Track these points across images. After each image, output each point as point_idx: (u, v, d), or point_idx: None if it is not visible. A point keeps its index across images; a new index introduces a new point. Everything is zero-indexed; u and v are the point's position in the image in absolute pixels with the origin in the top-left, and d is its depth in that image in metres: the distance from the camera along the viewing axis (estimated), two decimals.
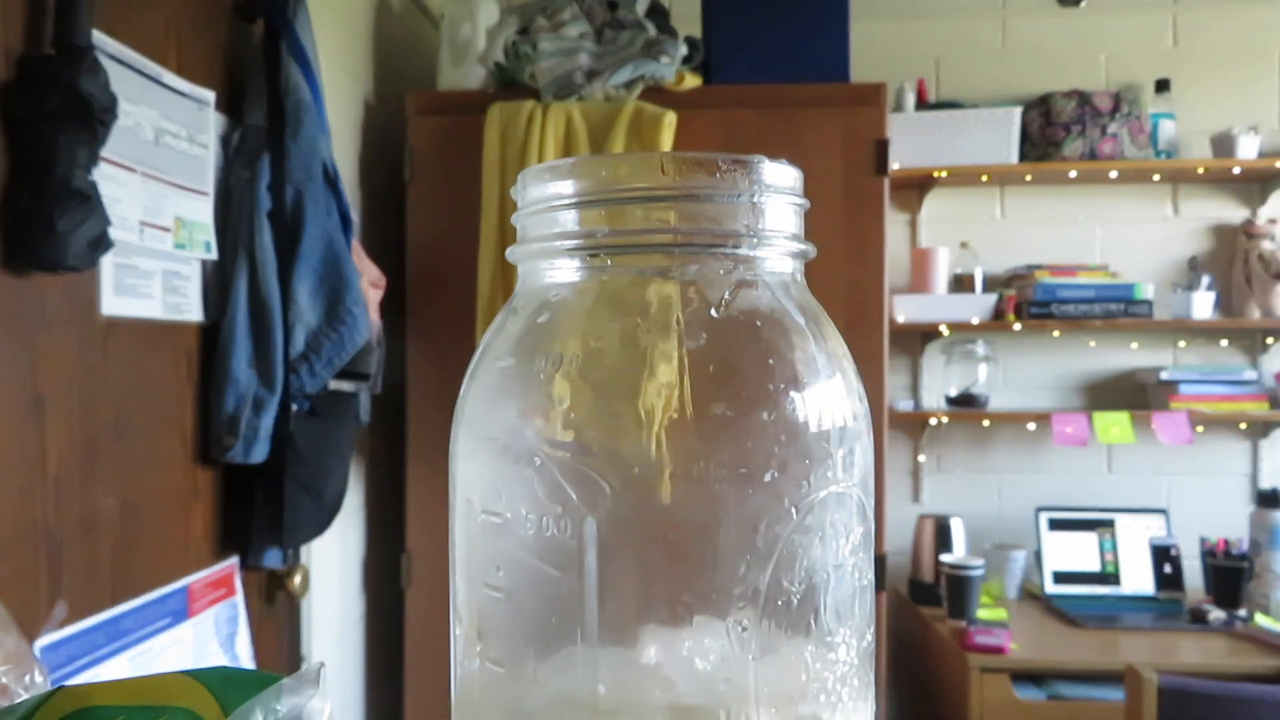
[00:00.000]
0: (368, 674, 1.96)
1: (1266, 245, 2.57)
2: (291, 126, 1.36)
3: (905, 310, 2.54)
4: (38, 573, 1.02)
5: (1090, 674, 2.08)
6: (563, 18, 1.89)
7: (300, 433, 1.39)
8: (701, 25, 1.96)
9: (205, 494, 1.34)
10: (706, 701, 0.28)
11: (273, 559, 1.45)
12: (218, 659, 1.32)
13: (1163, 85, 2.61)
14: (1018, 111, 2.54)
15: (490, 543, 0.30)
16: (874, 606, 0.32)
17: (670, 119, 1.76)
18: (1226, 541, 2.38)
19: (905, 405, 2.66)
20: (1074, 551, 2.52)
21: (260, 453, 1.34)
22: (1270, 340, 2.63)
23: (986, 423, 2.67)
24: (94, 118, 0.97)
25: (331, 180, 1.43)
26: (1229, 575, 2.34)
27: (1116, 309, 2.50)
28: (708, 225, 0.30)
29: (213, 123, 1.31)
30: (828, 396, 0.30)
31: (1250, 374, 2.55)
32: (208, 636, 1.32)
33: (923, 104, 2.60)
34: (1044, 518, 2.54)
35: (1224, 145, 2.52)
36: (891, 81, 2.08)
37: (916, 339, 2.70)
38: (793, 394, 0.29)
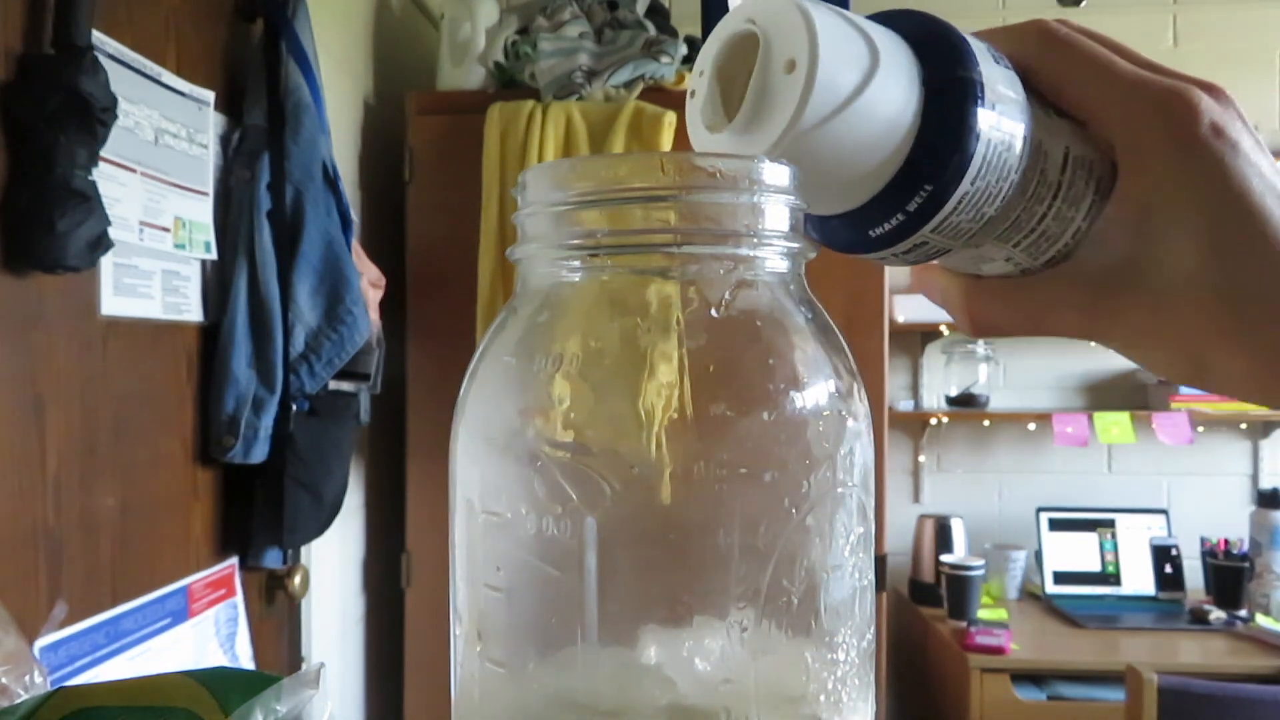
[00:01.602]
0: (368, 674, 1.96)
1: None
2: (291, 126, 1.36)
3: (905, 310, 2.54)
4: (38, 573, 1.02)
5: (1090, 674, 2.08)
6: (563, 17, 1.89)
7: (300, 433, 1.39)
8: (701, 25, 1.95)
9: (205, 494, 1.34)
10: (706, 701, 0.28)
11: (273, 559, 1.45)
12: (218, 659, 1.32)
13: None
14: None
15: (490, 543, 0.30)
16: (874, 606, 0.32)
17: (670, 119, 1.76)
18: (1227, 541, 2.38)
19: (905, 405, 2.66)
20: (1074, 551, 2.52)
21: (260, 453, 1.34)
22: None
23: (987, 423, 2.67)
24: (94, 118, 0.97)
25: (331, 180, 1.43)
26: (1229, 575, 2.34)
27: None
28: (708, 225, 0.30)
29: (212, 123, 1.31)
30: (828, 396, 0.30)
31: None
32: (208, 637, 1.32)
33: None
34: (1044, 518, 2.54)
35: None
36: None
37: (916, 339, 2.70)
38: (793, 394, 0.29)
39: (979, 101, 0.28)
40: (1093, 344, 0.33)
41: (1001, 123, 0.29)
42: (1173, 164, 0.30)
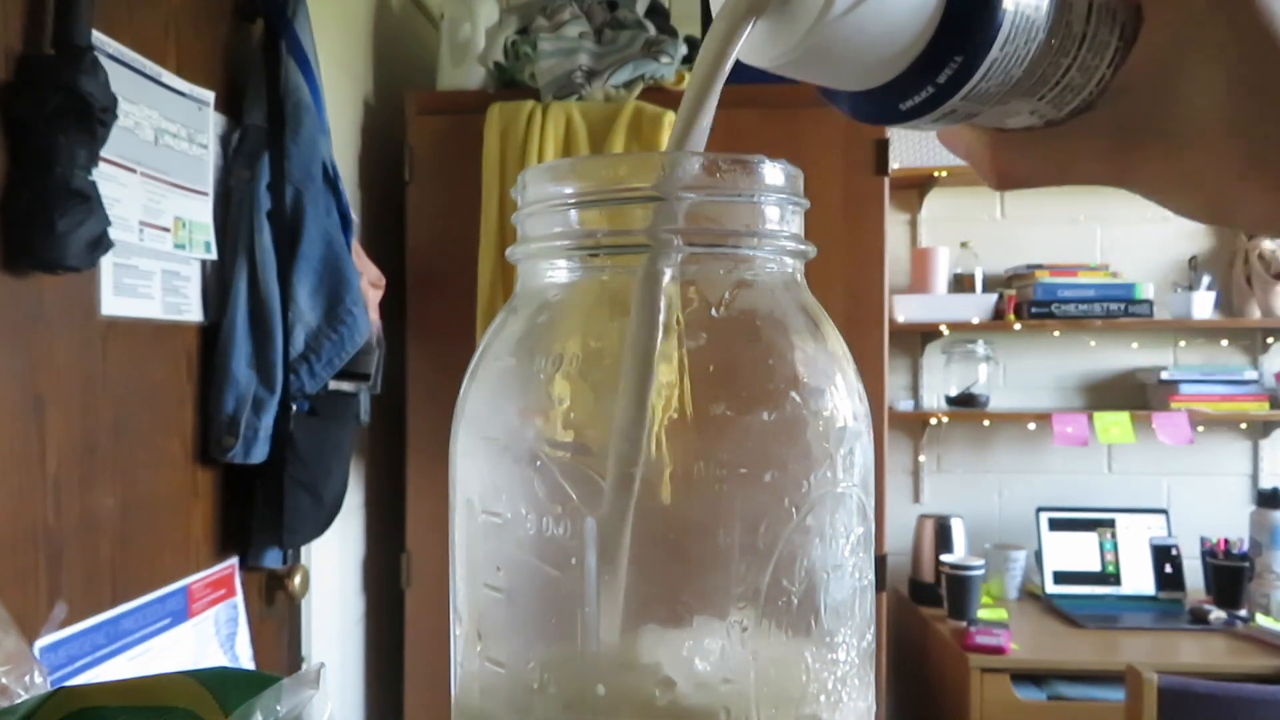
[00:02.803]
0: (368, 674, 1.96)
1: (1266, 245, 2.57)
2: (291, 126, 1.36)
3: (905, 310, 2.54)
4: (38, 573, 1.02)
5: (1090, 674, 2.08)
6: (563, 18, 1.89)
7: (300, 433, 1.39)
8: (701, 25, 1.96)
9: (205, 494, 1.34)
10: (706, 701, 0.28)
11: (273, 559, 1.45)
12: (218, 659, 1.32)
13: None
14: None
15: (490, 543, 0.30)
16: (874, 606, 0.32)
17: (670, 119, 1.76)
18: (1227, 541, 2.38)
19: (905, 405, 2.66)
20: (1074, 551, 2.51)
21: (260, 453, 1.33)
22: (1270, 340, 2.63)
23: (987, 423, 2.67)
24: (94, 118, 0.97)
25: (331, 180, 1.43)
26: (1229, 575, 2.34)
27: (1117, 309, 2.50)
28: (708, 225, 0.30)
29: (212, 123, 1.31)
30: (828, 396, 0.30)
31: (1250, 374, 2.55)
32: (208, 637, 1.32)
33: None
34: (1044, 518, 2.54)
35: None
36: None
37: (916, 339, 2.70)
38: (792, 394, 0.29)
39: None
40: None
41: None
42: (1196, 5, 0.30)
